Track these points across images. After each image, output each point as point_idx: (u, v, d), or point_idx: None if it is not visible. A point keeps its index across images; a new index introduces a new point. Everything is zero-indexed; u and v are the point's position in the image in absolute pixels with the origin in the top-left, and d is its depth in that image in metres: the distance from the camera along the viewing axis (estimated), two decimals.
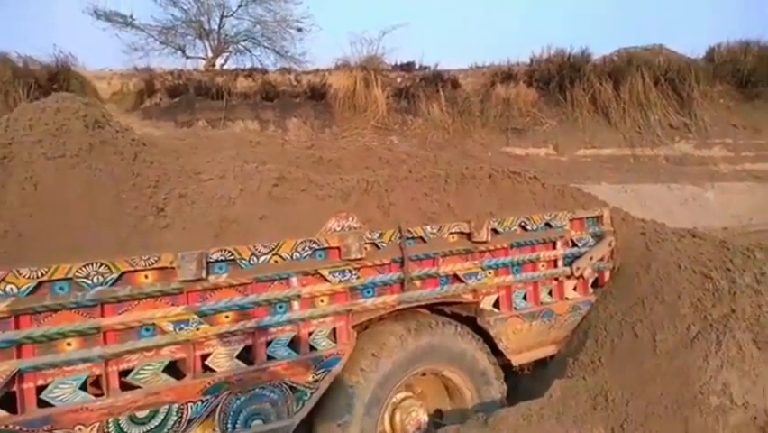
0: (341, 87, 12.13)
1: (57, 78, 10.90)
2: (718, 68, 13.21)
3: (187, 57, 14.76)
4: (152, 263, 2.03)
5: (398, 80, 12.93)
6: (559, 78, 11.97)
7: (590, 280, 3.17)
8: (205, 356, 2.19)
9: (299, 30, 15.61)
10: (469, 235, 2.77)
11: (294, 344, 2.39)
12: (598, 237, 3.16)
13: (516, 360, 3.00)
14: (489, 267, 2.85)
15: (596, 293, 3.17)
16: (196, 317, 2.13)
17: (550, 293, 3.07)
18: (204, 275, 2.12)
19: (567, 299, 3.10)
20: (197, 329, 2.14)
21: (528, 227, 2.94)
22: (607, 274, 3.20)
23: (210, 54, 14.91)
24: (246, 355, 2.29)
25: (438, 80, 12.50)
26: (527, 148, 12.14)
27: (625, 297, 3.05)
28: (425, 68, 13.33)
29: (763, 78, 12.54)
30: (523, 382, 3.20)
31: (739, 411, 2.59)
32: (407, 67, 13.42)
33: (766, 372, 2.69)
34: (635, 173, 11.02)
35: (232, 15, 15.22)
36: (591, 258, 3.10)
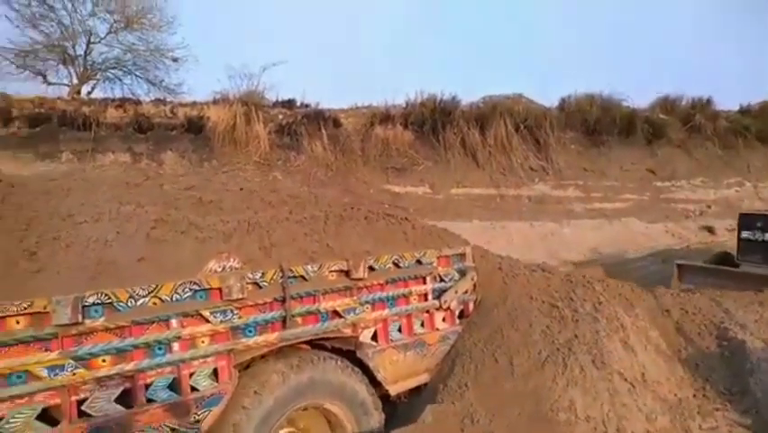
0: (220, 120, 11.93)
1: None
2: (569, 116, 14.85)
3: (49, 83, 13.70)
4: (25, 309, 1.97)
5: (280, 117, 13.00)
6: (432, 122, 12.78)
7: (457, 312, 3.48)
8: (81, 401, 2.14)
9: (175, 60, 15.13)
10: (347, 273, 2.95)
11: (174, 385, 2.39)
12: (462, 273, 3.49)
13: (393, 390, 3.19)
14: (367, 302, 3.05)
15: (462, 324, 3.48)
16: (71, 361, 2.09)
17: (422, 325, 3.32)
18: (79, 319, 2.09)
19: (437, 329, 3.38)
20: (73, 374, 2.10)
21: (401, 264, 3.20)
22: (471, 306, 3.54)
23: (75, 81, 13.98)
24: (125, 399, 2.26)
25: (320, 118, 12.75)
26: (406, 186, 12.71)
27: (486, 326, 3.39)
28: (307, 105, 13.55)
29: (606, 126, 14.31)
30: (400, 410, 3.39)
31: (582, 424, 2.97)
32: (288, 104, 13.54)
33: (603, 388, 3.11)
34: (501, 211, 11.96)
35: (100, 42, 14.44)
36: (457, 291, 3.42)
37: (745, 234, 7.30)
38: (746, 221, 7.41)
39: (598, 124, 14.31)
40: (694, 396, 3.32)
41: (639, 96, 17.02)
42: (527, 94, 15.15)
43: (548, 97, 15.22)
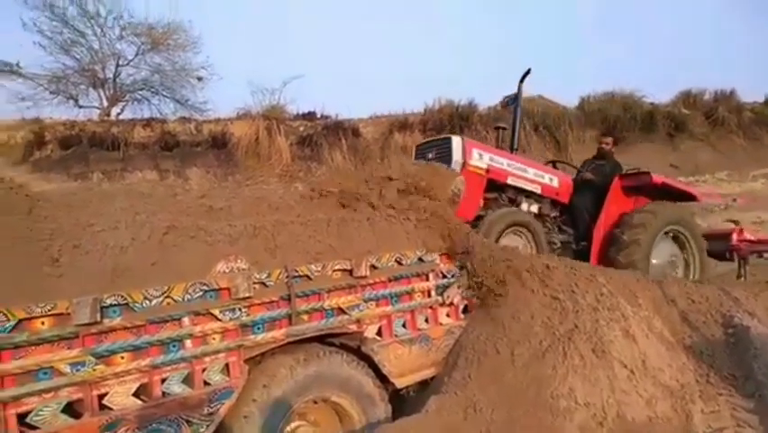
0: (243, 135, 12.28)
1: None
2: (588, 115, 14.76)
3: (81, 106, 14.37)
4: (48, 310, 2.19)
5: (301, 129, 13.28)
6: (450, 127, 12.92)
7: (461, 307, 3.60)
8: (102, 395, 2.34)
9: (199, 79, 15.65)
10: (350, 272, 3.11)
11: (188, 380, 2.57)
12: (465, 268, 3.61)
13: (399, 383, 3.31)
14: (371, 299, 3.20)
15: (466, 318, 3.60)
16: (92, 358, 2.29)
17: (426, 320, 3.45)
18: (98, 318, 2.29)
19: (441, 324, 3.50)
20: (94, 370, 2.29)
21: (403, 262, 3.34)
22: (474, 301, 3.65)
23: (105, 103, 14.56)
24: (142, 393, 2.45)
25: (340, 129, 13.01)
26: None
27: (489, 319, 3.50)
28: (327, 117, 13.83)
29: (626, 123, 14.22)
30: (409, 403, 3.52)
31: (582, 410, 3.06)
32: (309, 116, 13.85)
33: (603, 375, 3.19)
34: None
35: (128, 64, 15.03)
36: (460, 287, 3.54)
37: None
38: (419, 153, 5.32)
39: (618, 122, 14.24)
40: (697, 381, 3.37)
41: (660, 92, 16.86)
42: (547, 94, 15.11)
43: (568, 97, 15.20)
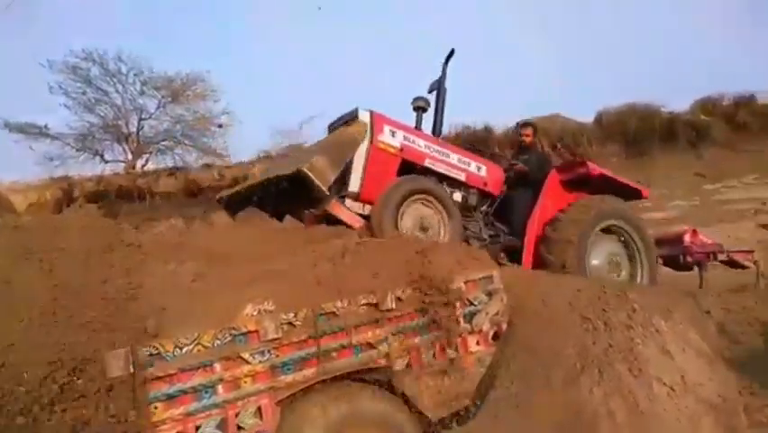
0: None
1: None
2: (606, 129, 14.68)
3: (106, 161, 14.81)
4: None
5: None
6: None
7: (490, 334, 3.55)
8: None
9: (220, 126, 16.03)
10: (376, 305, 3.11)
11: (222, 425, 2.58)
12: (491, 294, 3.58)
13: (433, 415, 3.27)
14: (398, 332, 3.19)
15: (496, 344, 3.55)
16: None
17: (456, 349, 3.41)
18: (131, 370, 2.33)
19: (471, 352, 3.45)
20: None
21: (428, 293, 3.32)
22: (504, 326, 3.60)
23: (130, 157, 14.99)
24: None
25: None
26: None
27: (519, 343, 3.45)
28: None
29: (646, 135, 14.10)
30: None
31: (625, 432, 2.98)
32: None
33: (642, 395, 3.11)
34: None
35: (150, 117, 15.50)
36: (488, 313, 3.50)
37: None
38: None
39: (637, 134, 14.15)
40: (740, 394, 3.26)
41: (677, 101, 16.73)
42: (564, 112, 15.08)
43: (586, 113, 15.13)
